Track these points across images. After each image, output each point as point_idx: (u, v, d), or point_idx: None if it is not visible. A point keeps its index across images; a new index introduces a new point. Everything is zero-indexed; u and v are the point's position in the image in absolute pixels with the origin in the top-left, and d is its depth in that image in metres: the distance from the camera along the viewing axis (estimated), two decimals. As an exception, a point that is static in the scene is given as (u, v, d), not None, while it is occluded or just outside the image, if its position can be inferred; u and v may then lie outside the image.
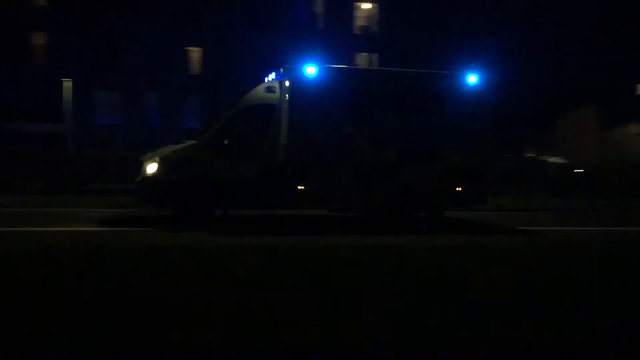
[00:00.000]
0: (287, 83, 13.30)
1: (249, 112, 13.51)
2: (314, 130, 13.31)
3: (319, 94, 13.35)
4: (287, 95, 13.25)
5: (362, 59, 46.34)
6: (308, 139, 13.28)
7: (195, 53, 45.50)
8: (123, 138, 41.22)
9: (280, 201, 13.42)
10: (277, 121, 13.31)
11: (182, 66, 44.99)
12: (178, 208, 13.10)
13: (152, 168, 12.95)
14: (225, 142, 13.05)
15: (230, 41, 42.93)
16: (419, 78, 14.77)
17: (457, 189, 14.18)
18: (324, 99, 13.35)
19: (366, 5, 46.78)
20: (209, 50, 44.63)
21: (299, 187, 13.31)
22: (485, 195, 14.81)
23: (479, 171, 14.31)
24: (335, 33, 44.69)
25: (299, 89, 13.27)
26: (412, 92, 13.98)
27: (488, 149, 14.60)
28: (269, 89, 13.59)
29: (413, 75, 14.86)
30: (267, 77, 14.53)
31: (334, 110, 13.42)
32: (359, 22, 47.29)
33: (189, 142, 13.71)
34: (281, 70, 13.59)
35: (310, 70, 13.30)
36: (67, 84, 40.04)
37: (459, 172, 14.05)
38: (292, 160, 13.21)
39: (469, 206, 15.50)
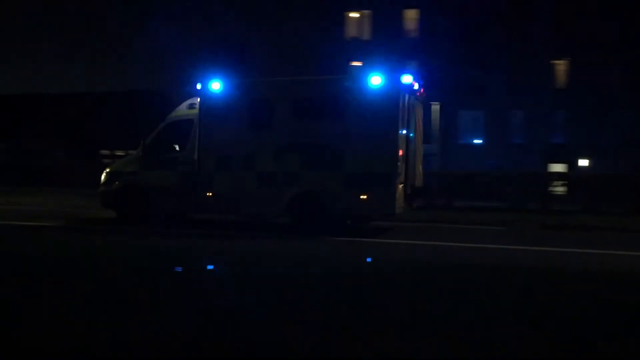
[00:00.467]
0: (198, 99, 14.62)
1: (173, 126, 15.17)
2: (220, 141, 14.23)
3: (224, 107, 14.26)
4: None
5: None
6: (214, 149, 14.28)
7: (561, 66, 44.99)
8: (486, 156, 43.17)
9: (193, 207, 14.75)
10: (194, 135, 14.68)
11: (547, 81, 44.38)
12: (118, 212, 15.46)
13: (103, 177, 15.63)
14: (148, 154, 14.99)
15: (600, 53, 41.49)
16: (316, 84, 14.44)
17: (362, 197, 13.44)
18: (229, 111, 14.20)
19: None
20: (577, 62, 43.38)
21: (207, 194, 14.41)
22: (391, 205, 13.48)
23: (385, 179, 13.34)
24: None
25: (207, 104, 14.41)
26: (310, 99, 13.86)
27: (395, 155, 13.41)
28: (191, 106, 14.97)
29: (310, 82, 14.59)
30: None
31: (237, 121, 14.13)
32: None
33: (130, 154, 15.91)
34: (198, 87, 14.81)
35: (215, 85, 14.34)
36: (435, 107, 42.84)
37: (362, 179, 13.36)
38: (200, 169, 14.42)
39: (377, 216, 14.37)
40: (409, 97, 13.80)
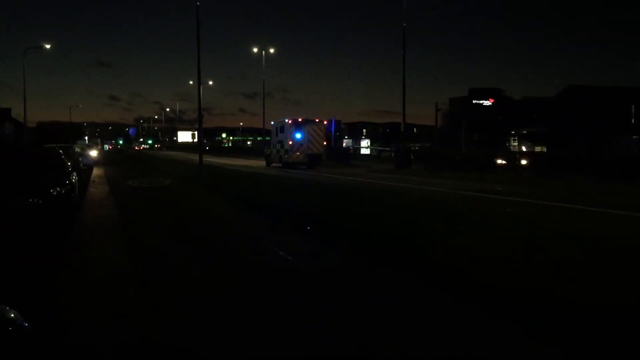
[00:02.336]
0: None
1: (270, 136, 46.91)
2: (274, 141, 45.64)
3: (274, 129, 45.65)
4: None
5: None
6: (272, 143, 45.89)
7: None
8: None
9: (271, 163, 46.28)
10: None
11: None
12: (266, 163, 47.95)
13: (265, 152, 48.73)
14: (268, 144, 47.40)
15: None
16: (280, 123, 43.59)
17: (286, 156, 42.80)
18: (274, 130, 45.55)
19: None
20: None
21: (285, 156, 45.10)
22: (289, 159, 41.90)
23: (286, 151, 42.29)
24: None
25: (272, 128, 46.12)
26: (279, 127, 43.80)
27: (287, 144, 42.01)
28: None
29: (280, 121, 43.65)
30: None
31: (275, 133, 45.28)
32: None
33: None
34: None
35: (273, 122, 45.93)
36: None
37: (287, 151, 42.72)
38: (270, 149, 46.38)
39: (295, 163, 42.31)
40: (308, 126, 42.13)
